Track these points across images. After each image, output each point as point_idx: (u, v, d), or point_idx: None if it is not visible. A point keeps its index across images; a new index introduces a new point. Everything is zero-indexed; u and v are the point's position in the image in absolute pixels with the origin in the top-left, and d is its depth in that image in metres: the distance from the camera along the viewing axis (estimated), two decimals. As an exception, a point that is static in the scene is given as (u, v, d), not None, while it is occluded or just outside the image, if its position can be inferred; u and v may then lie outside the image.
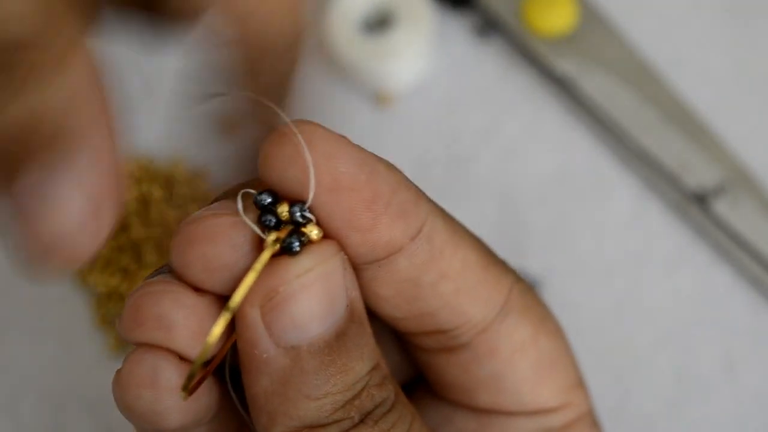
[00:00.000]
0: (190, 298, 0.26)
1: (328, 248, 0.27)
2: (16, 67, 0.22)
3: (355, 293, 0.27)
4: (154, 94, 0.51)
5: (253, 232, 0.26)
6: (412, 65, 0.51)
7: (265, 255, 0.26)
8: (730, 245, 0.48)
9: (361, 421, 0.27)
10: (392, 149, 0.51)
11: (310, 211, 0.26)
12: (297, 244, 0.26)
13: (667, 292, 0.48)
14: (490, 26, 0.52)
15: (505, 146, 0.50)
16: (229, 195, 0.28)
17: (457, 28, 0.52)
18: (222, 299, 0.27)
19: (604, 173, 0.50)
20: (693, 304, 0.48)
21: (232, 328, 0.27)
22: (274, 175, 0.26)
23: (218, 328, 0.26)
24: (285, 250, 0.26)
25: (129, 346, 0.48)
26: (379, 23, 0.51)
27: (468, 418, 0.32)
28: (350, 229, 0.27)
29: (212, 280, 0.26)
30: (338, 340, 0.27)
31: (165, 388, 0.26)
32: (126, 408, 0.27)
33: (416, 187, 0.28)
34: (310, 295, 0.26)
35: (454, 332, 0.30)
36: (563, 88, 0.50)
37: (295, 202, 0.26)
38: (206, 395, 0.27)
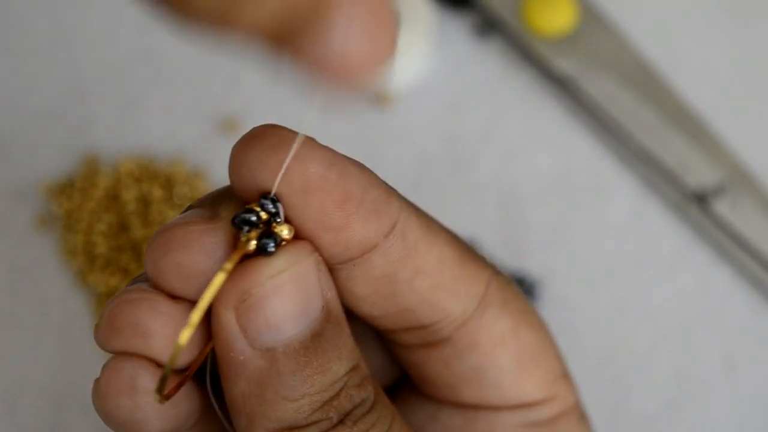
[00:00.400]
0: (165, 305, 0.26)
1: (302, 249, 0.27)
2: None
3: (331, 294, 0.27)
4: (160, 88, 0.51)
5: (226, 238, 0.26)
6: (412, 65, 0.51)
7: (236, 255, 0.26)
8: (730, 245, 0.48)
9: (340, 421, 0.27)
10: (392, 149, 0.51)
11: (279, 204, 0.26)
12: (272, 244, 0.26)
13: (667, 292, 0.48)
14: (490, 26, 0.52)
15: (505, 146, 0.50)
16: (203, 204, 0.28)
17: (457, 27, 0.52)
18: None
19: (604, 173, 0.50)
20: (693, 304, 0.48)
21: (210, 332, 0.27)
22: (244, 179, 0.26)
23: (187, 331, 0.26)
24: (260, 251, 0.26)
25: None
26: (379, 23, 0.51)
27: (453, 415, 0.32)
28: (323, 229, 0.27)
29: (186, 287, 0.27)
30: (314, 340, 0.27)
31: (143, 396, 0.26)
32: (106, 417, 0.27)
33: (387, 185, 0.28)
34: (284, 296, 0.26)
35: (433, 327, 0.30)
36: (563, 88, 0.50)
37: (264, 195, 0.26)
38: (186, 401, 0.28)
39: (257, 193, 0.26)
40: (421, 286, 0.29)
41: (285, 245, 0.26)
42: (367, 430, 0.27)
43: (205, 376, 0.28)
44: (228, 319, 0.26)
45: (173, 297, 0.27)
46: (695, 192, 0.48)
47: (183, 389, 0.27)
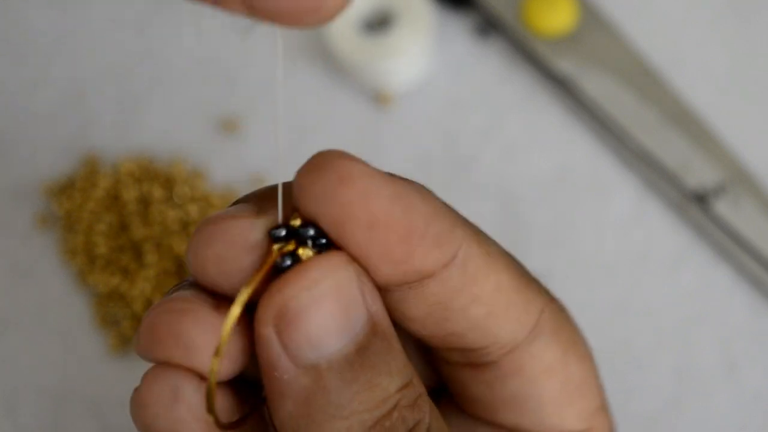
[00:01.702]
0: (209, 318, 0.26)
1: (337, 259, 0.26)
2: None
3: (377, 306, 0.26)
4: (160, 88, 0.51)
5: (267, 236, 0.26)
6: (412, 65, 0.51)
7: (270, 259, 0.25)
8: (730, 245, 0.48)
9: None
10: (392, 149, 0.51)
11: (323, 237, 0.26)
12: (288, 263, 0.25)
13: (667, 291, 0.48)
14: (490, 26, 0.52)
15: (505, 146, 0.50)
16: (250, 199, 0.27)
17: (457, 27, 0.52)
18: (244, 317, 0.26)
19: (604, 173, 0.50)
20: (693, 303, 0.48)
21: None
22: (309, 208, 0.26)
23: (220, 344, 0.25)
24: (276, 269, 0.26)
25: (129, 345, 0.48)
26: (379, 23, 0.51)
27: None
28: (383, 262, 0.26)
29: (227, 282, 0.26)
30: (360, 354, 0.26)
31: (184, 407, 0.26)
32: (144, 427, 0.26)
33: (452, 212, 0.28)
34: (322, 308, 0.25)
35: (480, 351, 0.29)
36: (563, 88, 0.50)
37: (312, 226, 0.26)
38: (229, 415, 0.27)
39: (321, 224, 0.26)
40: (476, 314, 0.28)
41: (319, 256, 0.26)
42: None
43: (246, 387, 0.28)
44: (269, 336, 0.25)
45: (216, 304, 0.26)
46: (695, 192, 0.48)
47: (225, 400, 0.27)
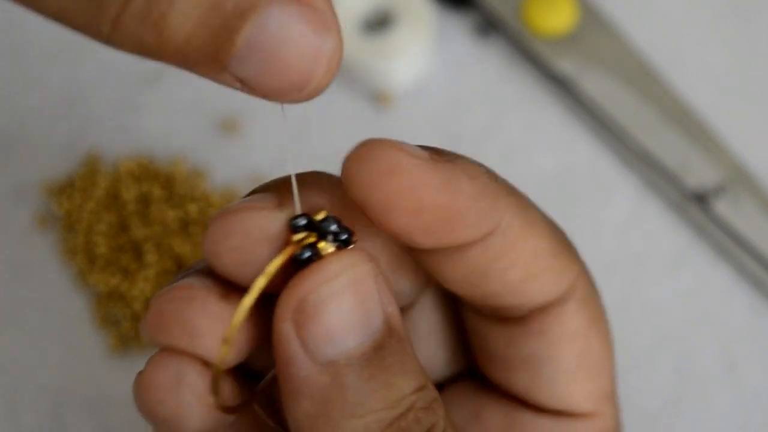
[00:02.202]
0: (216, 306, 0.26)
1: (357, 255, 0.26)
2: None
3: (393, 309, 0.27)
4: (160, 88, 0.51)
5: (287, 227, 0.26)
6: (412, 65, 0.51)
7: (278, 259, 0.26)
8: (730, 245, 0.48)
9: None
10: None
11: (346, 231, 0.26)
12: (308, 255, 0.26)
13: (667, 291, 0.48)
14: (490, 26, 0.52)
15: (505, 146, 0.50)
16: (267, 190, 0.27)
17: (457, 27, 0.52)
18: (254, 307, 0.26)
19: (604, 173, 0.50)
20: (693, 303, 0.48)
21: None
22: (356, 195, 0.26)
23: (231, 331, 0.25)
24: (294, 260, 0.26)
25: (129, 345, 0.48)
26: (378, 22, 0.51)
27: (496, 414, 0.32)
28: (427, 236, 0.26)
29: (242, 273, 0.26)
30: (377, 353, 0.26)
31: (188, 392, 0.26)
32: (147, 411, 0.26)
33: (497, 183, 0.28)
34: (341, 303, 0.25)
35: (512, 308, 0.30)
36: (563, 88, 0.50)
37: (334, 220, 0.26)
38: (230, 400, 0.27)
39: (368, 210, 0.26)
40: (512, 278, 0.29)
41: (338, 251, 0.26)
42: None
43: (247, 375, 0.28)
44: (287, 331, 0.25)
45: (224, 293, 0.26)
46: (695, 192, 0.48)
47: (225, 386, 0.27)
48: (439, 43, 0.52)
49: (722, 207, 0.48)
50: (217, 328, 0.26)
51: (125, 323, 0.47)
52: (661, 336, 0.47)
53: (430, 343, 0.33)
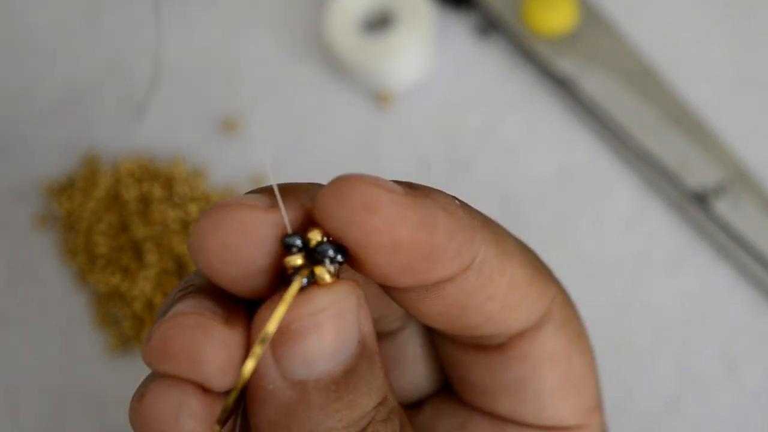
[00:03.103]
0: (221, 333, 0.26)
1: (346, 288, 0.26)
2: None
3: (368, 327, 0.27)
4: (160, 88, 0.51)
5: (277, 233, 0.26)
6: (412, 65, 0.51)
7: (294, 287, 0.26)
8: (730, 245, 0.48)
9: None
10: (392, 149, 0.51)
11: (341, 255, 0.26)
12: (306, 282, 0.26)
13: (667, 291, 0.48)
14: (490, 26, 0.52)
15: (505, 146, 0.50)
16: (261, 192, 0.27)
17: (458, 27, 0.52)
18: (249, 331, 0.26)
19: (605, 173, 0.50)
20: (693, 303, 0.48)
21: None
22: (331, 230, 0.26)
23: (251, 363, 0.26)
24: (282, 273, 0.26)
25: (129, 345, 0.48)
26: (379, 22, 0.51)
27: (483, 425, 0.32)
28: (403, 275, 0.26)
29: (225, 271, 0.26)
30: (346, 376, 0.26)
31: (189, 423, 0.26)
32: None
33: (472, 216, 0.28)
34: (322, 334, 0.26)
35: (490, 336, 0.30)
36: (563, 87, 0.50)
37: (331, 243, 0.26)
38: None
39: (325, 233, 0.26)
40: (490, 309, 0.29)
41: (330, 285, 0.26)
42: None
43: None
44: (263, 347, 0.26)
45: (224, 294, 0.26)
46: (695, 192, 0.48)
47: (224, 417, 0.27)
48: (439, 43, 0.52)
49: (722, 207, 0.48)
50: (222, 355, 0.26)
51: (125, 323, 0.47)
52: (661, 335, 0.47)
53: (418, 364, 0.33)
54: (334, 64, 0.51)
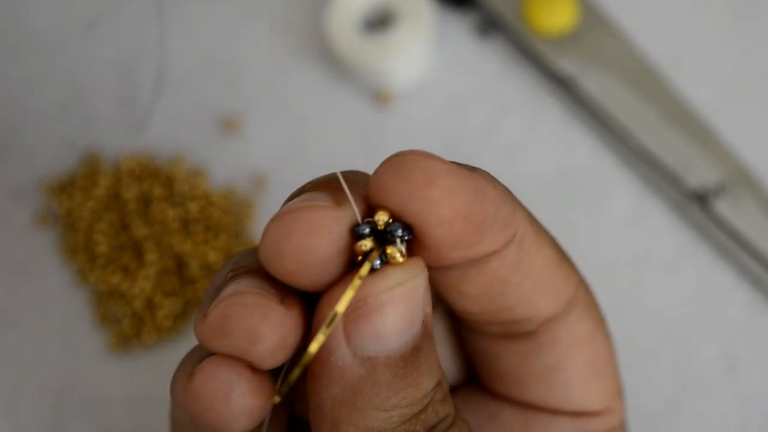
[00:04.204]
0: (279, 313, 0.27)
1: (418, 265, 0.27)
2: None
3: (429, 309, 0.28)
4: (161, 87, 0.51)
5: (346, 226, 0.26)
6: (413, 64, 0.51)
7: (366, 267, 0.26)
8: (730, 245, 0.48)
9: None
10: (392, 149, 0.50)
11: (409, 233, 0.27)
12: (378, 263, 0.26)
13: (667, 291, 0.48)
14: (490, 25, 0.52)
15: (505, 146, 0.50)
16: (318, 188, 0.28)
17: (458, 27, 0.52)
18: (307, 313, 0.27)
19: (605, 173, 0.50)
20: (693, 303, 0.48)
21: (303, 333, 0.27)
22: (391, 205, 0.26)
23: (322, 336, 0.26)
24: (354, 257, 0.27)
25: (129, 344, 0.48)
26: (379, 22, 0.51)
27: (513, 417, 0.32)
28: (456, 248, 0.27)
29: (303, 273, 0.26)
30: (413, 354, 0.27)
31: (238, 402, 0.27)
32: (194, 416, 0.27)
33: (512, 195, 0.29)
34: (396, 309, 0.26)
35: (522, 322, 0.31)
36: (564, 87, 0.50)
37: (399, 222, 0.27)
38: (270, 405, 0.28)
39: (391, 213, 0.27)
40: (525, 288, 0.30)
41: (405, 261, 0.27)
42: None
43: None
44: (336, 324, 0.26)
45: (283, 299, 0.27)
46: (696, 191, 0.48)
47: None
48: (439, 43, 0.52)
49: (722, 207, 0.48)
50: (277, 335, 0.26)
51: (125, 322, 0.47)
52: (661, 336, 0.47)
53: (441, 355, 0.34)
54: (334, 64, 0.51)
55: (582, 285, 0.32)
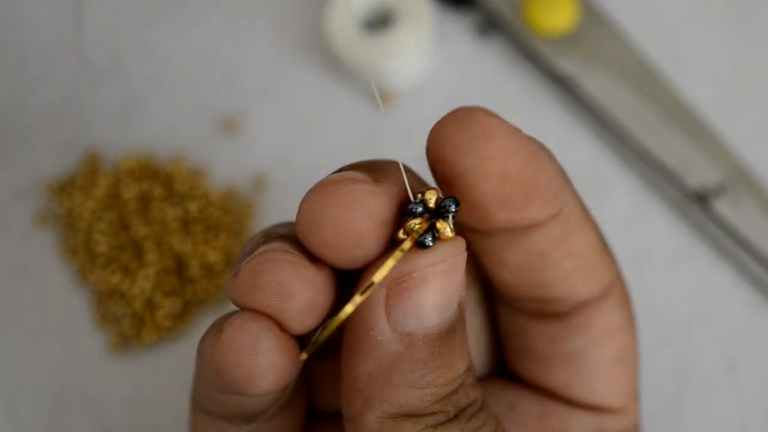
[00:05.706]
0: (311, 272, 0.27)
1: (462, 244, 0.27)
2: None
3: (464, 292, 0.28)
4: (161, 85, 0.51)
5: (391, 205, 0.27)
6: (413, 64, 0.51)
7: (408, 243, 0.26)
8: (730, 245, 0.48)
9: (455, 416, 0.27)
10: (392, 148, 0.51)
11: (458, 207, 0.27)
12: (430, 239, 0.27)
13: (667, 291, 0.48)
14: (490, 25, 0.52)
15: (506, 146, 0.50)
16: (358, 168, 0.28)
17: (458, 27, 0.52)
18: (339, 275, 0.27)
19: (605, 172, 0.50)
20: (693, 303, 0.48)
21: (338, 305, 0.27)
22: (446, 156, 0.27)
23: (351, 305, 0.26)
24: (417, 244, 0.27)
25: (129, 344, 0.48)
26: (379, 22, 0.51)
27: (532, 406, 0.32)
28: (502, 209, 0.27)
29: (339, 244, 0.26)
30: (449, 334, 0.27)
31: (265, 357, 0.27)
32: (221, 371, 0.27)
33: (565, 173, 0.29)
34: (438, 286, 0.26)
35: (557, 302, 0.31)
36: (564, 87, 0.50)
37: (452, 198, 0.27)
38: (296, 367, 0.28)
39: (455, 171, 0.27)
40: (566, 267, 0.30)
41: (449, 239, 0.27)
42: (478, 428, 0.28)
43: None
44: (378, 297, 0.26)
45: (314, 256, 0.27)
46: (696, 191, 0.48)
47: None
48: (439, 43, 0.52)
49: (722, 207, 0.48)
50: (308, 293, 0.26)
51: (125, 322, 0.47)
52: (661, 335, 0.47)
53: (473, 346, 0.34)
54: (334, 64, 0.51)
55: (619, 278, 0.32)
